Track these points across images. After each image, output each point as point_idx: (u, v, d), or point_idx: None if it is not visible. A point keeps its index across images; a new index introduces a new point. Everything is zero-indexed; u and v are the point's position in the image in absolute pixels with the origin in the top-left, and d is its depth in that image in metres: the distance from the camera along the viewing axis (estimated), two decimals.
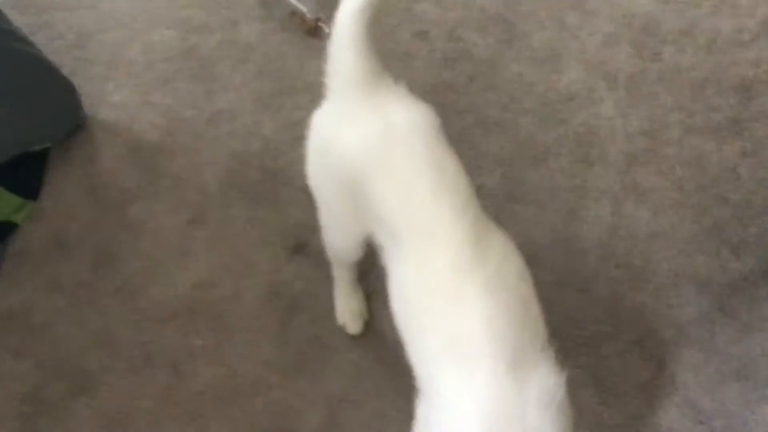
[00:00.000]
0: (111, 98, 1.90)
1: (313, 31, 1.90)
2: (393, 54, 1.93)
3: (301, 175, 1.76)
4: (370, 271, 1.57)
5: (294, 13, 1.92)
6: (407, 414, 1.10)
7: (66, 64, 1.91)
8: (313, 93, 1.86)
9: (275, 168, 1.79)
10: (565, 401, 1.01)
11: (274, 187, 1.77)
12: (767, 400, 1.56)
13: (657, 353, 1.59)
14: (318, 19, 1.89)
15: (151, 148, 1.83)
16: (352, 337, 1.58)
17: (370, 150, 1.13)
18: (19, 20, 1.82)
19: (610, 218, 1.74)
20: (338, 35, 1.15)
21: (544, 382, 0.98)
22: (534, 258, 1.68)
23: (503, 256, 1.07)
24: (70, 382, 1.57)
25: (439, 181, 1.08)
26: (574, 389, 1.54)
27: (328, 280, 1.59)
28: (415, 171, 1.09)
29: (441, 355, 1.00)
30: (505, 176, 1.79)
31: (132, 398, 1.56)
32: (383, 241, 1.16)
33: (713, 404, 1.55)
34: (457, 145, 1.81)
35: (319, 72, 1.90)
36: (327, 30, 1.87)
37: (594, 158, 1.82)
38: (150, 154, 1.82)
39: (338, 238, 1.38)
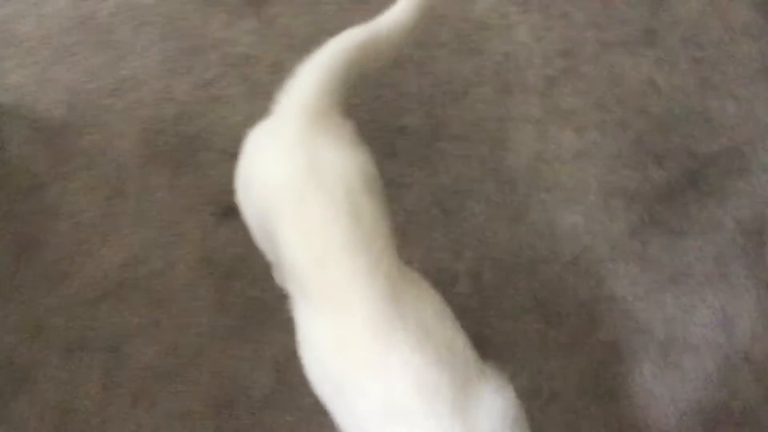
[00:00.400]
0: (8, 80, 1.79)
1: None
2: (298, 3, 1.87)
3: (220, 137, 1.72)
4: None
5: None
6: None
7: None
8: (221, 50, 1.82)
9: (192, 132, 1.73)
10: (520, 413, 0.96)
11: (193, 152, 1.71)
12: (703, 302, 1.61)
13: (594, 270, 1.62)
14: None
15: (58, 127, 1.74)
16: None
17: (286, 191, 1.05)
18: None
19: (535, 143, 1.74)
20: (316, 60, 1.10)
21: (492, 408, 0.93)
22: (467, 192, 1.69)
23: (419, 301, 1.01)
24: (5, 379, 1.51)
25: (353, 235, 1.00)
26: (518, 315, 1.58)
27: None
28: (328, 223, 1.01)
29: (378, 423, 0.94)
30: (428, 114, 1.77)
31: (74, 386, 1.51)
32: (290, 286, 1.09)
33: (652, 312, 1.59)
34: (376, 88, 1.79)
35: (225, 27, 1.85)
36: None
37: (514, 85, 1.81)
38: (58, 134, 1.73)
39: (265, 248, 1.29)
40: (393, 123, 1.74)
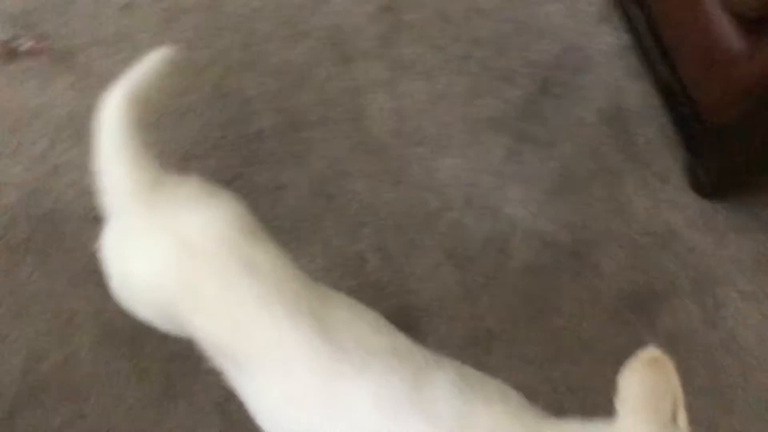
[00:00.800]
0: None
1: (10, 55, 1.69)
2: (107, 44, 1.77)
3: (75, 204, 1.62)
4: None
5: None
6: None
7: None
8: (44, 117, 1.71)
9: (45, 210, 1.61)
10: (470, 375, 0.95)
11: (53, 230, 1.59)
12: (594, 197, 1.67)
13: (487, 204, 1.64)
14: (6, 42, 1.67)
15: None
16: None
17: (169, 278, 0.98)
18: None
19: (392, 103, 1.73)
20: (103, 142, 1.02)
21: (445, 387, 0.92)
22: (343, 173, 1.67)
23: (350, 322, 0.97)
24: None
25: (260, 289, 0.95)
26: (433, 272, 1.58)
27: None
28: (230, 290, 0.96)
29: None
30: (279, 110, 1.72)
31: None
32: (222, 364, 1.02)
33: (554, 225, 1.63)
34: (218, 100, 1.73)
35: (40, 91, 1.73)
36: (25, 46, 1.69)
37: (351, 54, 1.79)
38: None
39: (177, 334, 1.18)
40: (247, 130, 1.68)
